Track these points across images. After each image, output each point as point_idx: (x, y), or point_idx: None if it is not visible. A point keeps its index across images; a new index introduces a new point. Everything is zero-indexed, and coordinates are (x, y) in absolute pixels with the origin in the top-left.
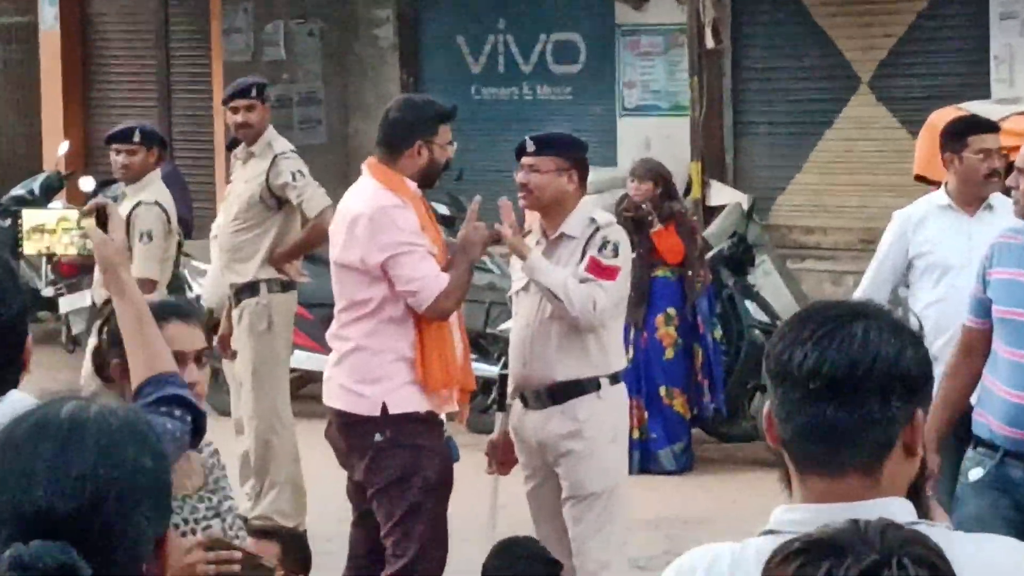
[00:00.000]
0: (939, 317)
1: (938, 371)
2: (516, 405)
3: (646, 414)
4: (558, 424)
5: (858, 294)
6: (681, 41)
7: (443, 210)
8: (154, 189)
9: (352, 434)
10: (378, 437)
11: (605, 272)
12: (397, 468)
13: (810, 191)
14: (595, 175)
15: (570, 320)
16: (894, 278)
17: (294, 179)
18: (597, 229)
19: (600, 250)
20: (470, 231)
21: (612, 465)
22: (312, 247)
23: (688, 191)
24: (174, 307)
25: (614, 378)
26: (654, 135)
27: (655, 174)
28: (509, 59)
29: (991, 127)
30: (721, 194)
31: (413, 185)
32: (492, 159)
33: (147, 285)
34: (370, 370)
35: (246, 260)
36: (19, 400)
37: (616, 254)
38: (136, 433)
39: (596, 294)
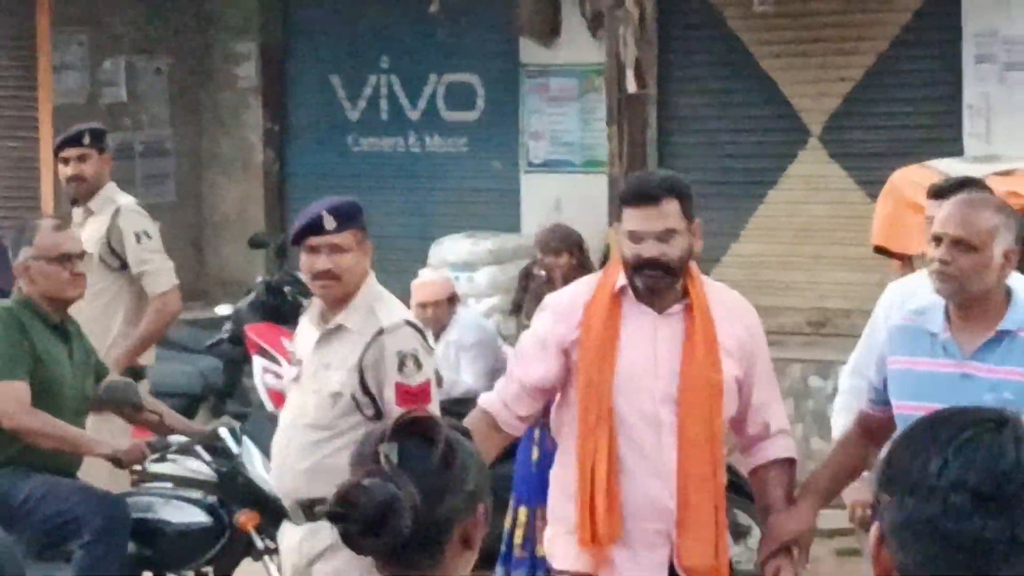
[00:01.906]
0: None
1: None
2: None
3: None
4: (308, 546)
5: (844, 378)
6: (598, 85)
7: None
8: None
9: None
10: None
11: (419, 397)
12: None
13: (749, 263)
14: (495, 242)
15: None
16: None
17: (138, 240)
18: (380, 333)
19: (401, 369)
20: None
21: None
22: (158, 338)
23: (604, 262)
24: None
25: None
26: (565, 195)
27: (570, 242)
28: (394, 104)
29: (935, 192)
30: None
31: (622, 281)
32: (373, 222)
33: None
34: (552, 503)
35: (93, 338)
36: None
37: (419, 365)
38: None
39: None
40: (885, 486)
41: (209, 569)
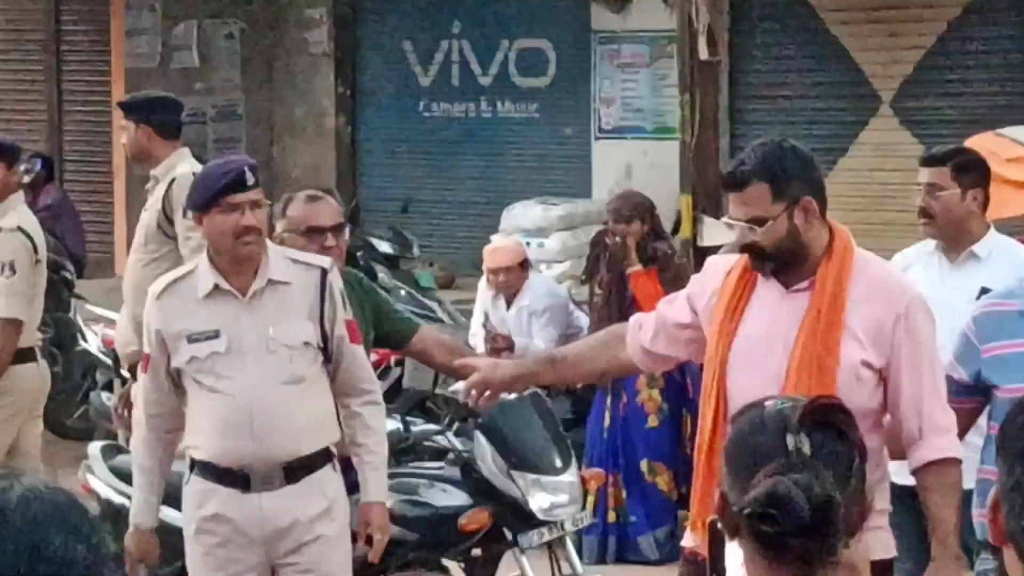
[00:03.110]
0: None
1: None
2: (213, 489)
3: (624, 493)
4: (304, 506)
5: None
6: (670, 51)
7: (385, 248)
8: (16, 214)
9: None
10: None
11: (359, 330)
12: None
13: None
14: (566, 208)
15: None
16: None
17: (185, 214)
18: (326, 274)
19: (345, 307)
20: None
21: (348, 553)
22: None
23: (676, 229)
24: None
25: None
26: (636, 162)
27: (642, 210)
28: (465, 70)
29: (925, 160)
30: (716, 233)
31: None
32: (444, 187)
33: (12, 326)
34: None
35: None
36: None
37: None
38: (66, 519)
39: (374, 382)
40: (999, 452)
41: (478, 552)
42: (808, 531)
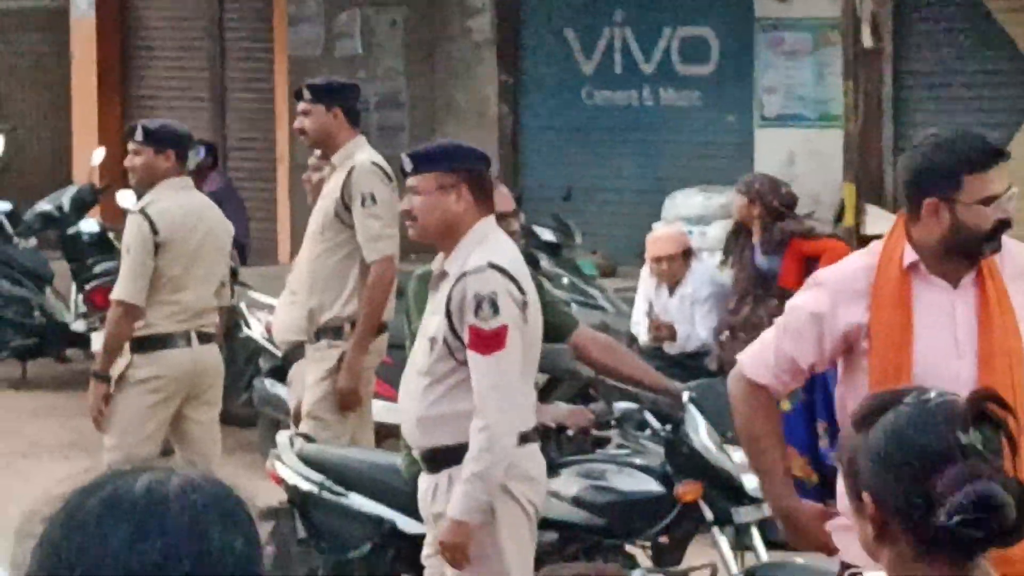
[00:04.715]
0: None
1: None
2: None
3: None
4: (430, 504)
5: None
6: (833, 39)
7: (548, 236)
8: (153, 195)
9: None
10: None
11: (491, 341)
12: None
13: None
14: (729, 196)
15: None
16: None
17: (363, 203)
18: (464, 276)
19: (476, 312)
20: None
21: (502, 561)
22: (380, 311)
23: (840, 218)
24: None
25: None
26: (799, 149)
27: (748, 189)
28: (628, 58)
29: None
30: (879, 221)
31: (911, 257)
32: (606, 175)
33: (122, 308)
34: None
35: (329, 293)
36: None
37: (496, 309)
38: (224, 511)
39: (494, 390)
40: None
41: (665, 539)
42: (1012, 531)
